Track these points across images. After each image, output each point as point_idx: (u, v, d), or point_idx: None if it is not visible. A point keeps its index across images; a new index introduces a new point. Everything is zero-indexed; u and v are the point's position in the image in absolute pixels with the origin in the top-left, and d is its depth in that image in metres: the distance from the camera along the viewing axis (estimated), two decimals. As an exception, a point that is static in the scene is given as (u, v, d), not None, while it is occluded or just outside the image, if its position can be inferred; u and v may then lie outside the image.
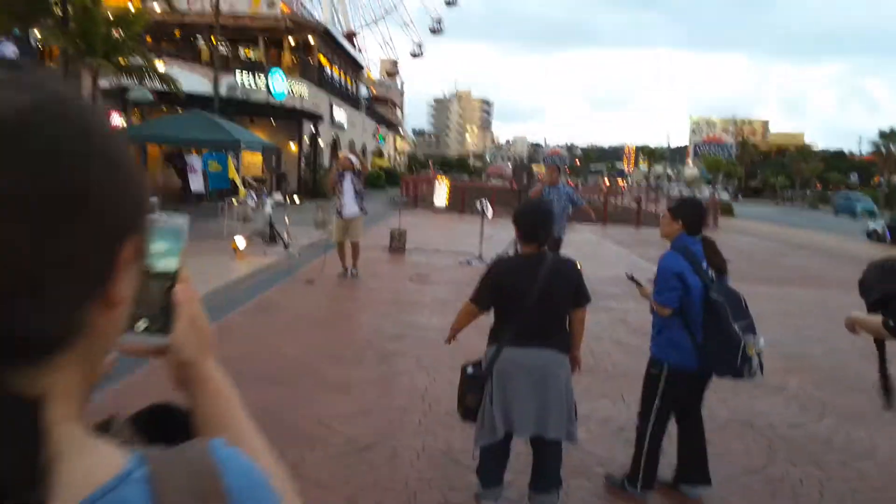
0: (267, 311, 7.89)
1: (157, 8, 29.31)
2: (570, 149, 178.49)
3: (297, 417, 4.55)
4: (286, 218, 11.73)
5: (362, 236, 10.17)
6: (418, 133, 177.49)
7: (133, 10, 13.95)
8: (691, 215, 3.65)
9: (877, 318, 2.77)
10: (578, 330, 3.48)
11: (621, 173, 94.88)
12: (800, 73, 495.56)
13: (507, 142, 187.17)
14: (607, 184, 46.60)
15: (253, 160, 24.35)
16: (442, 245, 14.17)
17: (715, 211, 28.03)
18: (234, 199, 11.97)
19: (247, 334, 6.65)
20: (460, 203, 23.91)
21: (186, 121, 12.97)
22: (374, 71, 73.24)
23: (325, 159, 32.29)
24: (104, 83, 19.64)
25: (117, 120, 17.35)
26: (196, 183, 13.33)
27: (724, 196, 48.80)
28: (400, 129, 63.13)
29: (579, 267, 3.48)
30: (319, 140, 30.52)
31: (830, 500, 3.90)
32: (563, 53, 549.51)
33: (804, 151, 78.77)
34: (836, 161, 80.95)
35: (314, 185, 26.95)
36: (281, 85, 23.61)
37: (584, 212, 10.64)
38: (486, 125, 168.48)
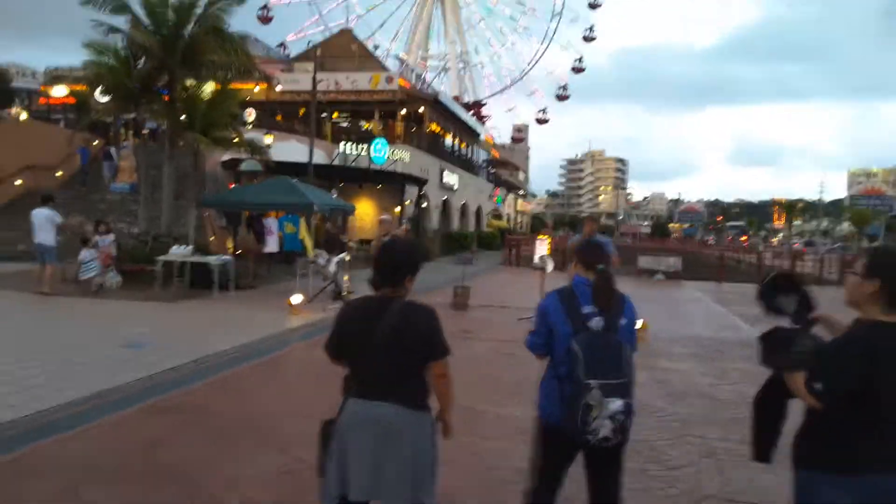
0: (277, 365, 8.02)
1: (278, 89, 32.23)
2: (716, 204, 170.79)
3: (209, 478, 4.52)
4: (346, 275, 12.05)
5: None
6: (551, 194, 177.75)
7: (227, 91, 15.24)
8: None
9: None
10: (439, 387, 3.09)
11: (743, 230, 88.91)
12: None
13: (645, 199, 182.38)
14: (730, 239, 44.02)
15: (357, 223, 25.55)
16: (513, 302, 13.88)
17: (842, 268, 25.54)
18: (300, 259, 12.56)
19: (241, 386, 6.80)
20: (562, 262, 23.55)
21: (269, 187, 13.82)
22: (501, 136, 74.96)
23: (434, 221, 33.05)
24: (224, 157, 21.68)
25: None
26: (272, 244, 14.11)
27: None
28: (521, 190, 63.44)
29: (437, 316, 3.20)
30: (427, 202, 31.33)
31: None
32: (707, 111, 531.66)
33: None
34: None
35: (420, 245, 27.60)
36: (381, 151, 24.64)
37: (615, 262, 10.05)
38: (620, 184, 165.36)
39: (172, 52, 13.95)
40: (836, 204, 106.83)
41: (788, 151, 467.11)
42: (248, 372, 7.44)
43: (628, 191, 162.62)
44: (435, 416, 3.17)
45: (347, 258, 12.74)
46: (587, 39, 70.75)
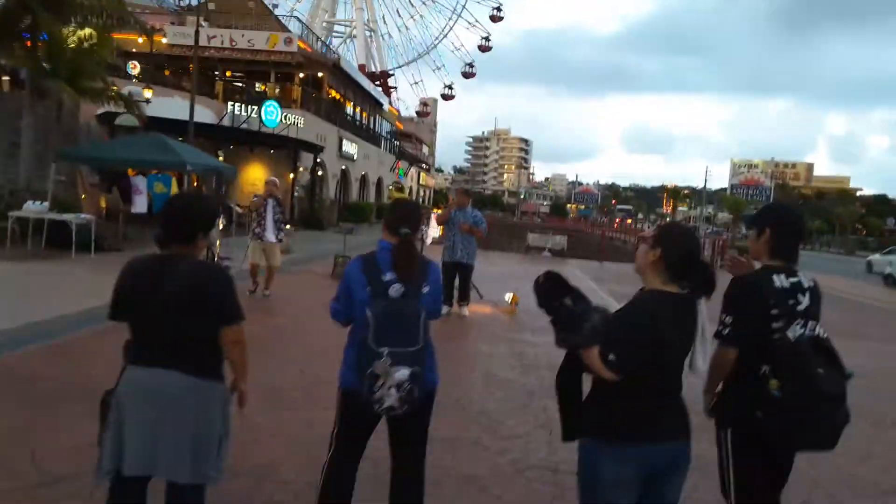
0: (122, 331, 7.59)
1: (164, 41, 30.43)
2: (611, 188, 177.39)
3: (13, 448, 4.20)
4: (218, 242, 11.58)
5: (279, 261, 10.07)
6: (458, 170, 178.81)
7: (98, 38, 14.14)
8: None
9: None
10: (233, 354, 2.91)
11: (629, 214, 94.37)
12: (852, 119, 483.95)
13: (546, 179, 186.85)
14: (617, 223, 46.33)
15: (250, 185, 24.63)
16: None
17: (723, 250, 27.23)
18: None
19: (78, 352, 6.39)
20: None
21: (138, 143, 13.01)
22: (407, 109, 74.36)
23: (331, 190, 32.46)
24: (101, 110, 20.22)
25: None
26: (140, 204, 13.32)
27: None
28: (423, 164, 63.40)
29: (232, 275, 3.03)
30: (324, 170, 30.69)
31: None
32: (608, 98, 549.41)
33: (844, 195, 76.19)
34: (879, 205, 78.02)
35: (311, 214, 26.98)
36: (273, 114, 23.80)
37: (477, 234, 10.05)
38: (523, 163, 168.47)
39: (33, -10, 12.78)
40: (721, 192, 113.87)
41: (680, 140, 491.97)
42: (89, 337, 6.97)
43: (531, 170, 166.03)
44: (230, 386, 3.03)
45: (222, 224, 12.22)
46: (494, 19, 71.08)
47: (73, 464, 3.98)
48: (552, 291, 2.56)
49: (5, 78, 21.71)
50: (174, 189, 12.15)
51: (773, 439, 2.80)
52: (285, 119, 24.94)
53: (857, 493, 4.57)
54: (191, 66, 32.61)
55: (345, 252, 12.86)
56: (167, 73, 32.27)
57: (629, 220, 69.79)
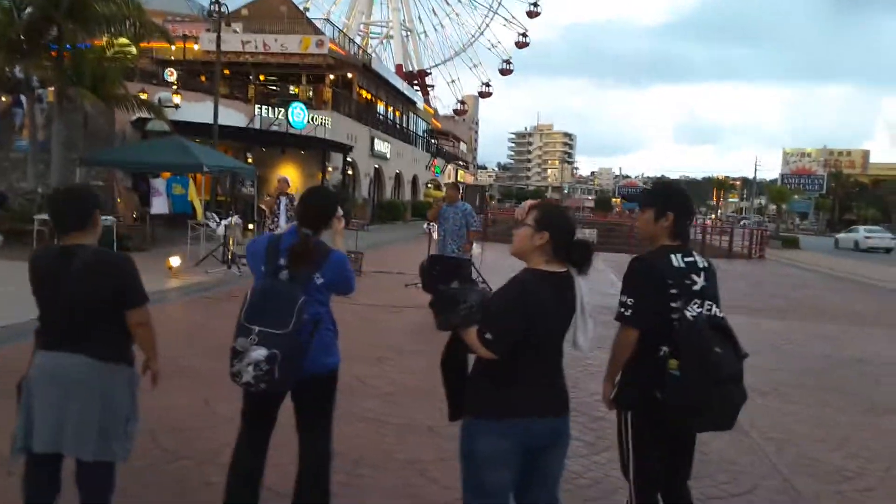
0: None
1: (197, 48, 31.27)
2: (660, 180, 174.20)
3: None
4: (232, 239, 11.87)
5: None
6: (502, 167, 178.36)
7: (120, 48, 14.67)
8: None
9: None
10: (140, 336, 3.04)
11: None
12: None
13: (592, 174, 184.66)
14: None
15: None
16: (412, 269, 13.89)
17: (761, 241, 26.52)
18: (190, 222, 12.32)
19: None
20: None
21: (158, 146, 13.42)
22: (444, 107, 74.54)
23: (364, 189, 32.80)
24: (130, 117, 20.91)
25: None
26: (158, 205, 13.74)
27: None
28: (460, 161, 63.40)
29: (133, 263, 3.14)
30: (356, 170, 31.05)
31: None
32: (655, 89, 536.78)
33: (901, 182, 73.05)
34: (941, 192, 74.53)
35: (344, 212, 27.35)
36: (300, 115, 24.19)
37: (469, 236, 9.86)
38: (567, 158, 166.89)
39: (57, 4, 13.30)
40: (773, 183, 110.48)
41: (732, 131, 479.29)
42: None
43: (575, 165, 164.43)
44: (142, 367, 3.16)
45: (235, 222, 12.51)
46: (531, 14, 70.57)
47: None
48: (439, 276, 2.61)
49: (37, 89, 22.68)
50: (191, 190, 12.49)
51: (672, 419, 2.77)
52: (312, 120, 25.31)
53: (816, 479, 4.42)
54: (225, 70, 33.70)
55: (356, 249, 13.01)
56: (202, 78, 33.13)
57: None
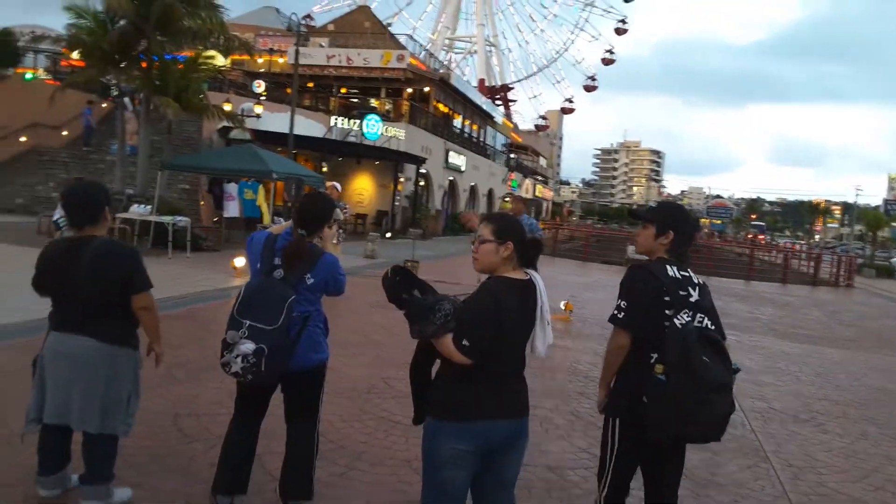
0: (188, 318, 8.32)
1: (280, 61, 32.61)
2: (755, 202, 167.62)
3: None
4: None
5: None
6: (586, 183, 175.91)
7: (203, 60, 15.61)
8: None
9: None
10: (143, 320, 3.34)
11: (760, 229, 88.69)
12: None
13: (681, 193, 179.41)
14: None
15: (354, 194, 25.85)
16: (468, 280, 14.01)
17: (849, 269, 25.10)
18: (258, 226, 12.91)
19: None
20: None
21: (232, 153, 14.16)
22: (525, 122, 74.52)
23: (437, 201, 33.21)
24: (217, 126, 22.09)
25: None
26: (231, 209, 14.45)
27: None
28: (538, 176, 63.08)
29: (138, 253, 3.44)
30: (430, 181, 31.52)
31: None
32: (749, 108, 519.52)
33: None
34: None
35: (414, 223, 27.82)
36: (374, 127, 24.83)
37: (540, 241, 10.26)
38: (654, 176, 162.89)
39: (146, 17, 14.30)
40: (877, 209, 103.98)
41: (833, 153, 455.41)
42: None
43: (663, 183, 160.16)
44: (146, 349, 3.46)
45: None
46: (619, 32, 69.64)
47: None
48: (400, 286, 2.72)
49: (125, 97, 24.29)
50: (260, 196, 13.12)
51: (655, 424, 2.79)
52: (386, 132, 25.93)
53: None
54: (309, 83, 35.04)
55: (413, 258, 13.28)
56: (288, 91, 34.54)
57: (761, 236, 66.54)
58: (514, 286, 2.61)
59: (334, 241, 10.52)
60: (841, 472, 4.95)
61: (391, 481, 4.13)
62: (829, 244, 76.85)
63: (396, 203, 26.48)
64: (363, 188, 28.37)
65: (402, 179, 27.39)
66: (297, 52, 18.72)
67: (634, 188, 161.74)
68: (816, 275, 25.02)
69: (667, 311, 2.78)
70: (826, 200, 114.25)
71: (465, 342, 2.49)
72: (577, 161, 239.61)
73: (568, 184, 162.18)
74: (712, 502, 4.20)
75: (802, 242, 73.13)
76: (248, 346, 3.03)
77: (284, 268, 3.28)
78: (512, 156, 55.28)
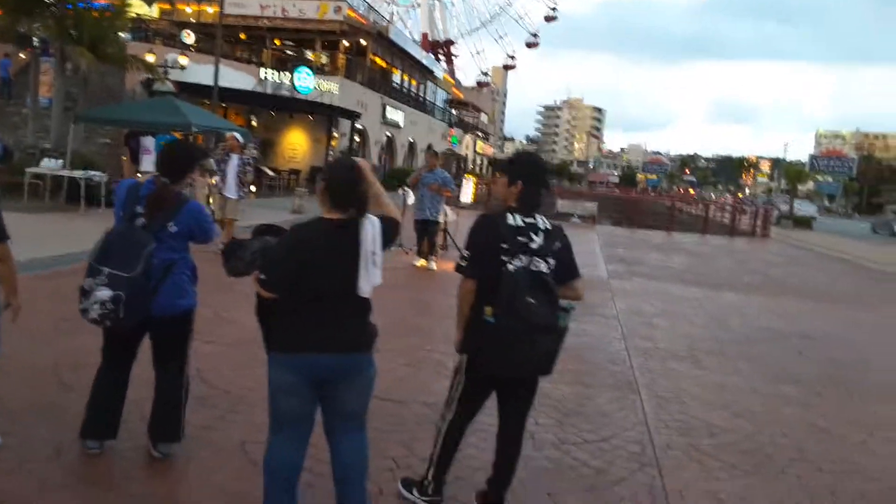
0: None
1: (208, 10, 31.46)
2: (691, 158, 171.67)
3: None
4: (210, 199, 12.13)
5: (238, 216, 10.13)
6: (530, 139, 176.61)
7: (116, 8, 14.98)
8: None
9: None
10: (1, 271, 3.31)
11: (693, 183, 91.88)
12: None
13: (621, 149, 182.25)
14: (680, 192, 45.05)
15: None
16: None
17: (765, 220, 26.30)
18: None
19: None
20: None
21: (149, 105, 13.77)
22: (467, 78, 74.02)
23: (374, 156, 33.01)
24: (141, 77, 21.30)
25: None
26: (146, 163, 14.07)
27: (810, 208, 45.38)
28: (479, 132, 63.09)
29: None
30: (366, 137, 31.25)
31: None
32: (691, 66, 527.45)
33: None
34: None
35: (348, 180, 27.71)
36: (306, 81, 24.37)
37: (445, 193, 10.60)
38: (596, 133, 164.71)
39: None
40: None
41: (771, 110, 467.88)
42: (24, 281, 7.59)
43: (602, 140, 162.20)
44: (4, 303, 3.44)
45: (212, 181, 12.64)
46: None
47: None
48: (233, 251, 2.90)
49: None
50: (178, 149, 12.77)
51: (488, 363, 3.01)
52: (319, 86, 25.49)
53: (678, 433, 4.62)
54: (241, 34, 33.96)
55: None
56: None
57: (692, 190, 69.52)
58: (325, 226, 2.74)
59: (234, 195, 10.05)
60: (704, 403, 5.36)
61: (267, 422, 4.29)
62: (755, 198, 79.87)
63: (330, 159, 26.20)
64: (296, 143, 27.97)
65: (336, 135, 27.08)
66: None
67: (576, 144, 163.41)
68: (732, 225, 26.16)
69: (503, 258, 2.95)
70: (757, 156, 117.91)
71: (262, 276, 2.70)
72: (522, 117, 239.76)
73: (512, 140, 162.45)
74: (574, 430, 4.51)
75: (728, 196, 75.88)
76: (104, 293, 3.10)
77: (146, 215, 3.33)
78: (453, 112, 55.06)
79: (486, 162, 65.35)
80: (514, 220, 3.04)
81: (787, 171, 45.77)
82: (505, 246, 2.96)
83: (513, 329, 2.85)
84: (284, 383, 2.73)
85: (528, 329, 2.85)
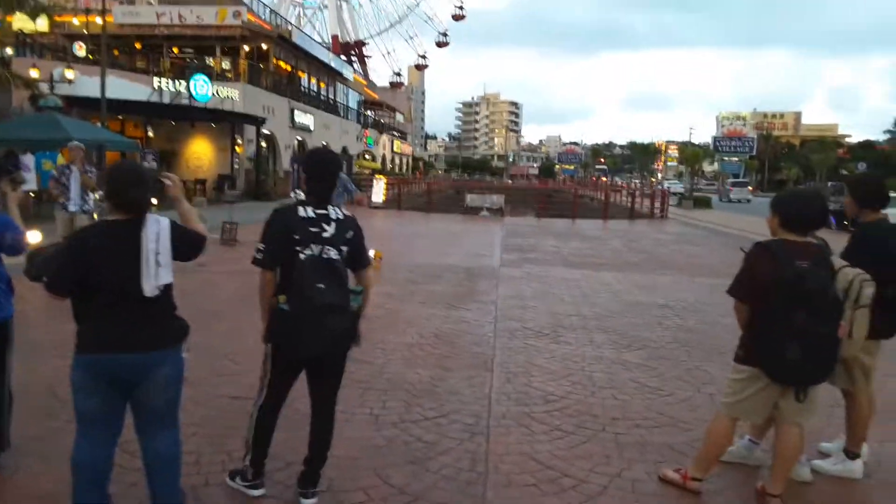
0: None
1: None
2: (607, 147, 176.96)
3: None
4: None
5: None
6: (452, 137, 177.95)
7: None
8: None
9: None
10: None
11: (603, 171, 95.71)
12: (851, 66, 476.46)
13: (540, 142, 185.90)
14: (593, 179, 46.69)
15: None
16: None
17: (663, 201, 27.61)
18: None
19: None
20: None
21: (27, 122, 13.37)
22: (380, 79, 74.08)
23: (286, 161, 32.73)
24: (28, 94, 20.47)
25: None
26: (28, 182, 13.71)
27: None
28: (395, 132, 63.31)
29: None
30: (275, 142, 30.95)
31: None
32: (603, 56, 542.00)
33: (823, 142, 75.94)
34: (863, 151, 77.69)
35: (257, 186, 27.37)
36: (203, 88, 23.99)
37: (358, 201, 10.59)
38: (514, 127, 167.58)
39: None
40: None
41: (681, 96, 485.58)
42: None
43: (521, 133, 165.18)
44: None
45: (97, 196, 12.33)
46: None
47: None
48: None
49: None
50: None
51: (287, 347, 3.24)
52: (218, 93, 25.13)
53: (516, 403, 5.00)
54: (137, 44, 33.01)
55: (231, 219, 13.28)
56: (116, 52, 32.39)
57: (604, 178, 72.55)
58: (107, 227, 2.87)
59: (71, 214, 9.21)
60: (549, 374, 5.78)
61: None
62: (660, 182, 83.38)
63: (236, 166, 25.87)
64: (201, 153, 27.46)
65: (240, 142, 26.75)
66: (103, 6, 17.58)
67: (495, 139, 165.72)
68: (632, 208, 27.40)
69: (296, 248, 3.18)
70: (666, 141, 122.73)
71: (45, 279, 2.84)
72: (443, 115, 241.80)
73: (435, 138, 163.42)
74: (419, 409, 4.81)
75: (638, 182, 79.02)
76: None
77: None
78: (368, 113, 55.04)
79: (408, 161, 65.57)
80: (306, 212, 3.27)
81: (685, 154, 48.02)
82: (297, 237, 3.19)
83: (303, 312, 3.09)
84: (84, 384, 2.84)
85: (315, 310, 3.09)
